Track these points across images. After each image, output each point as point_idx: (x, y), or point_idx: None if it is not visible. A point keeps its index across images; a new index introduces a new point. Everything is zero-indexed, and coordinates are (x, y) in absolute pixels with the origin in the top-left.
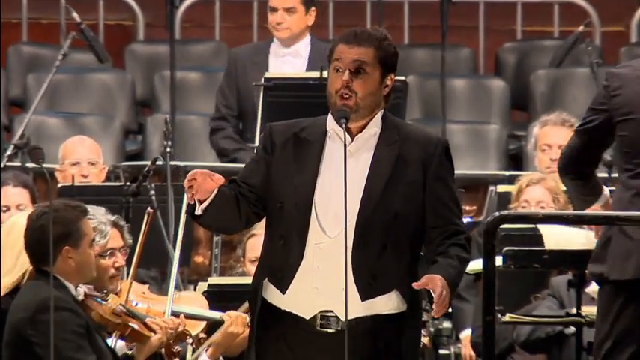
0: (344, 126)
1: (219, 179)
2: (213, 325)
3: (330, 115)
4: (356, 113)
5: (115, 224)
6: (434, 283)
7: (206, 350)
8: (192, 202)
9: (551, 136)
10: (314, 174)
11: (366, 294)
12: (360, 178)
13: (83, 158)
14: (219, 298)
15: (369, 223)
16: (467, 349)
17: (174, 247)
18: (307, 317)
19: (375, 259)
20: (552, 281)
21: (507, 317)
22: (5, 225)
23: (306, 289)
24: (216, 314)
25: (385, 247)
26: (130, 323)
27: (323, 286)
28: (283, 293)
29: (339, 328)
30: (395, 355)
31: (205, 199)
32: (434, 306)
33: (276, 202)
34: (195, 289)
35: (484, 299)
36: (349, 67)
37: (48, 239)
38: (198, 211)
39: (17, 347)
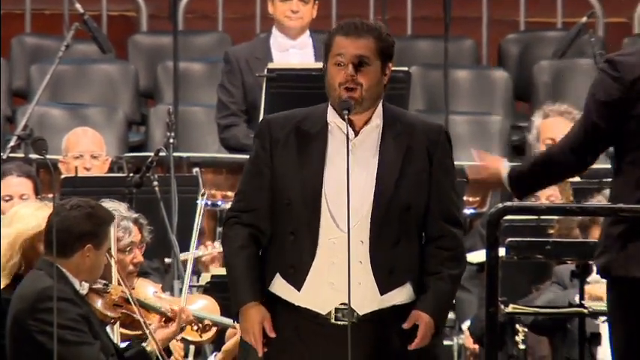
0: (346, 117)
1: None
2: (222, 330)
3: (329, 107)
4: (361, 105)
5: (135, 221)
6: (421, 321)
7: (215, 356)
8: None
9: (554, 129)
10: (320, 168)
11: (384, 288)
12: (369, 172)
13: (86, 151)
14: (223, 289)
15: (384, 217)
16: (470, 341)
17: (177, 238)
18: (324, 313)
19: (391, 253)
20: (556, 270)
21: (510, 308)
22: (6, 215)
23: (321, 284)
24: (227, 321)
25: (399, 241)
26: (131, 313)
27: (339, 281)
28: (299, 290)
29: (354, 321)
30: (408, 343)
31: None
32: (413, 344)
33: (283, 199)
34: (198, 280)
35: (487, 290)
36: (352, 61)
37: (73, 231)
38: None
39: (18, 337)
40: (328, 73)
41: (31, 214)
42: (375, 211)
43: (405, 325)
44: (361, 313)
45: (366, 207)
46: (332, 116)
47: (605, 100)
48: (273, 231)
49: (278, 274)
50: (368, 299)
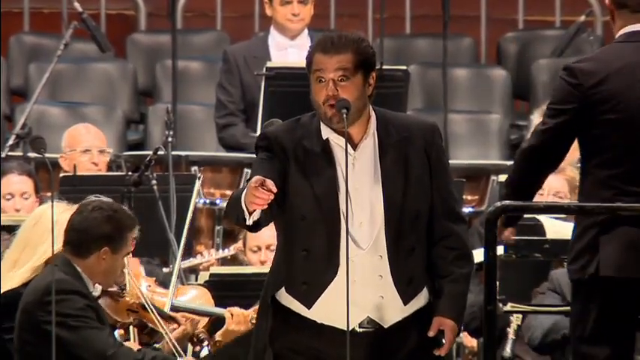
0: (345, 116)
1: (273, 189)
2: (216, 319)
3: (322, 124)
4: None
5: None
6: (445, 327)
7: (208, 346)
8: (251, 211)
9: None
10: (334, 186)
11: (407, 298)
12: (375, 186)
13: (93, 146)
14: (221, 287)
15: (398, 229)
16: (468, 339)
17: (176, 237)
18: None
19: (408, 263)
20: (552, 275)
21: (509, 306)
22: (33, 214)
23: (341, 302)
24: (218, 310)
25: (414, 249)
26: (147, 321)
27: (361, 297)
28: (308, 308)
29: (377, 327)
30: (429, 343)
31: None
32: (443, 350)
33: (297, 214)
34: (197, 279)
35: (485, 289)
36: (332, 77)
37: (91, 233)
38: (250, 221)
39: (27, 328)
40: (311, 89)
41: (57, 222)
42: (389, 224)
43: (431, 333)
44: (386, 326)
45: (380, 221)
46: (327, 132)
47: (562, 108)
48: (285, 246)
49: (283, 289)
50: (392, 312)
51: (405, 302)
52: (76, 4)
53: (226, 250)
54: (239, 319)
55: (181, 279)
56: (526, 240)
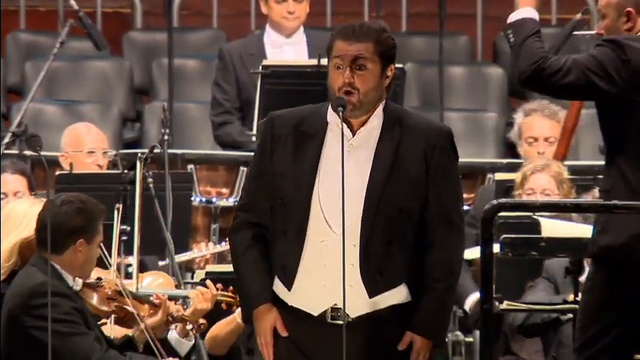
0: (341, 114)
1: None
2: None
3: (330, 107)
4: (359, 110)
5: None
6: (414, 344)
7: (175, 327)
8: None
9: (537, 128)
10: (313, 169)
11: (373, 291)
12: (363, 173)
13: (98, 148)
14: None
15: (374, 220)
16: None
17: (172, 235)
18: (315, 314)
19: (381, 255)
20: (547, 264)
21: (505, 305)
22: (1, 212)
23: (313, 286)
24: (182, 292)
25: (390, 243)
26: (125, 306)
27: (331, 283)
28: (289, 290)
29: (349, 320)
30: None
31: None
32: None
33: (278, 198)
34: (192, 277)
35: (482, 287)
36: (350, 65)
37: (65, 227)
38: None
39: (13, 333)
40: (329, 75)
41: (27, 215)
42: (365, 214)
43: (400, 347)
44: (353, 315)
45: (358, 210)
46: (331, 116)
47: (613, 75)
48: (272, 229)
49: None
50: (359, 302)
51: (370, 295)
52: (72, 2)
53: (223, 243)
54: (204, 297)
55: (177, 277)
56: (522, 238)
